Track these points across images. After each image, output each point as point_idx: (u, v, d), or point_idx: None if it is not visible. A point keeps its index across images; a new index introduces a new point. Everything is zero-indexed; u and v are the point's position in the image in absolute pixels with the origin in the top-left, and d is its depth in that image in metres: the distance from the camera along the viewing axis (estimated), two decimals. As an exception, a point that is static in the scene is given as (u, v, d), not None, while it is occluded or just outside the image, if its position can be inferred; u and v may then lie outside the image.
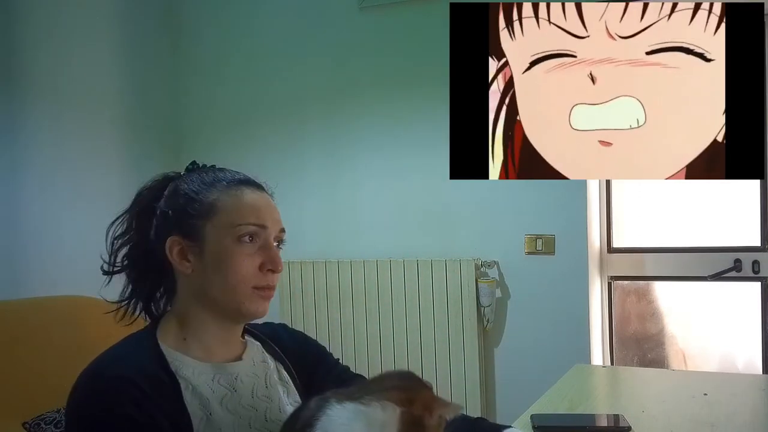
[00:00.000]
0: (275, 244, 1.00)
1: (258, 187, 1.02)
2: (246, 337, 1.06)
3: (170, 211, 0.97)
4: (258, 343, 1.07)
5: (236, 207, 0.97)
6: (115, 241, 1.00)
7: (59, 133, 2.43)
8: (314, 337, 1.17)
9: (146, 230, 1.00)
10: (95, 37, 2.62)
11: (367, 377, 1.10)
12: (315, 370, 1.09)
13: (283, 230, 1.02)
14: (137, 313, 1.03)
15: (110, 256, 1.00)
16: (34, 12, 2.36)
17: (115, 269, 1.01)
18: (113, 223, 1.01)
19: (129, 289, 1.02)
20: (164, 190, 1.01)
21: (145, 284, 1.02)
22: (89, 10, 2.59)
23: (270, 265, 0.97)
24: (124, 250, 1.01)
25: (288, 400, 1.03)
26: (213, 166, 1.05)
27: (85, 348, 0.96)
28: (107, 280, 1.01)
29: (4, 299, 1.98)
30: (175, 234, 0.96)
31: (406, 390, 0.78)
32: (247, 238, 0.96)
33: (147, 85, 2.86)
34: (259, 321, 1.08)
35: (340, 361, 1.15)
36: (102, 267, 1.01)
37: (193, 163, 1.05)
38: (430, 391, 0.80)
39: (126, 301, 1.02)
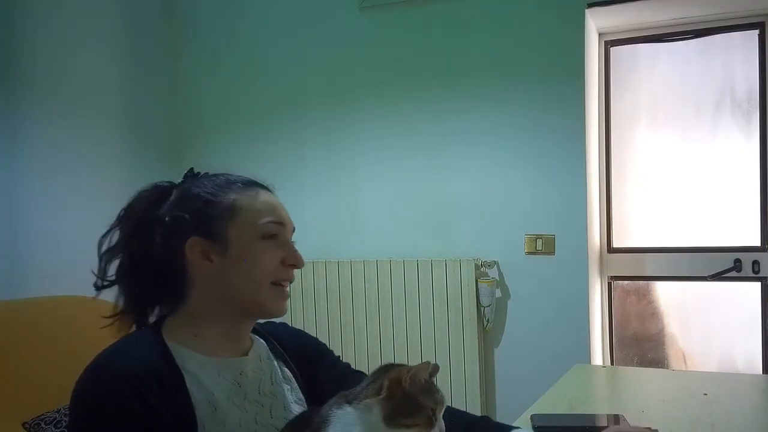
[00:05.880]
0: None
1: (266, 188, 1.05)
2: (252, 335, 1.06)
3: (187, 215, 0.97)
4: (263, 341, 1.08)
5: (256, 206, 0.99)
6: (105, 255, 1.00)
7: (59, 134, 2.43)
8: (314, 337, 1.17)
9: (144, 241, 0.99)
10: (96, 38, 2.62)
11: (367, 374, 1.10)
12: (316, 368, 1.10)
13: (294, 229, 1.05)
14: (132, 329, 1.02)
15: (101, 271, 1.00)
16: (35, 13, 2.36)
17: (105, 284, 1.00)
18: (104, 236, 1.00)
19: (122, 302, 1.00)
20: (162, 199, 1.00)
21: (138, 296, 1.01)
22: (90, 11, 2.59)
23: (292, 261, 1.01)
24: (116, 263, 1.00)
25: (292, 397, 1.03)
26: (206, 173, 1.05)
27: (85, 348, 0.95)
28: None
29: (4, 299, 1.98)
30: (195, 236, 0.96)
31: (378, 380, 0.82)
32: (269, 236, 0.98)
33: (147, 86, 2.86)
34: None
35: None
36: (96, 283, 1.00)
37: (191, 170, 1.06)
38: (401, 367, 0.82)
39: (119, 315, 1.00)
